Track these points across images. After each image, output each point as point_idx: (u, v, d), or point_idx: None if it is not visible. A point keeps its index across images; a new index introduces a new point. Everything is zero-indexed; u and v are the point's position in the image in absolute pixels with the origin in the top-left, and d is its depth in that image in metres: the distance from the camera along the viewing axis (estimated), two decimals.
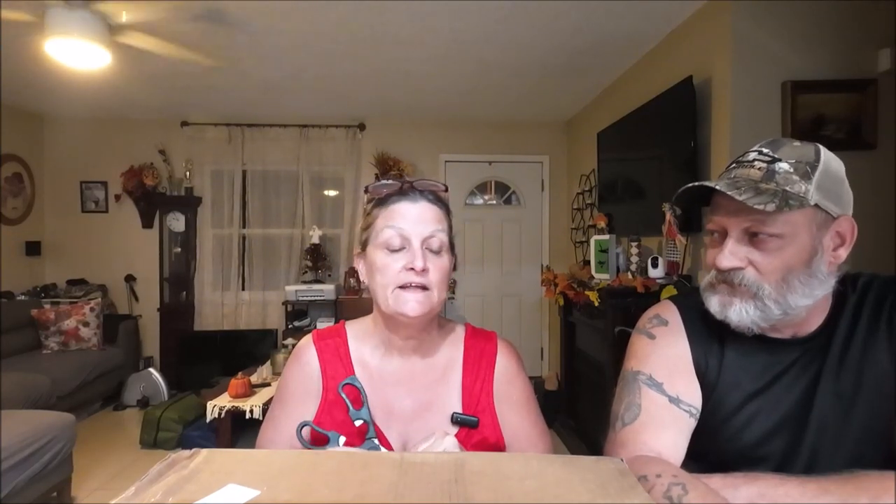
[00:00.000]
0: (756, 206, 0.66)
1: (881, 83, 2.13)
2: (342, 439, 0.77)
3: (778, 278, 0.70)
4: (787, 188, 0.68)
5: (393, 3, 2.39)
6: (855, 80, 2.14)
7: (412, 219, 0.81)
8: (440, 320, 0.90)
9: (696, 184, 0.73)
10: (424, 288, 0.79)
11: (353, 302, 4.09)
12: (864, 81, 2.14)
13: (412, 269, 0.78)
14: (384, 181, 0.85)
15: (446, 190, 0.86)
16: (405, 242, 0.80)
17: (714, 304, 0.74)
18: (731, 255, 0.71)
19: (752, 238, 0.71)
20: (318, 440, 0.77)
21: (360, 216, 0.90)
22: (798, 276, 0.70)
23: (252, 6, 2.41)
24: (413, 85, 3.61)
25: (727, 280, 0.73)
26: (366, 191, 0.86)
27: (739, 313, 0.72)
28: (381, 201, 0.84)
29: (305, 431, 0.77)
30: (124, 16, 2.31)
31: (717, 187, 0.70)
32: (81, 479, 2.68)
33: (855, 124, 2.15)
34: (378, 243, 0.81)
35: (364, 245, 0.86)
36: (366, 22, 2.60)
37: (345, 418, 0.80)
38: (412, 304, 0.78)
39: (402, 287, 0.79)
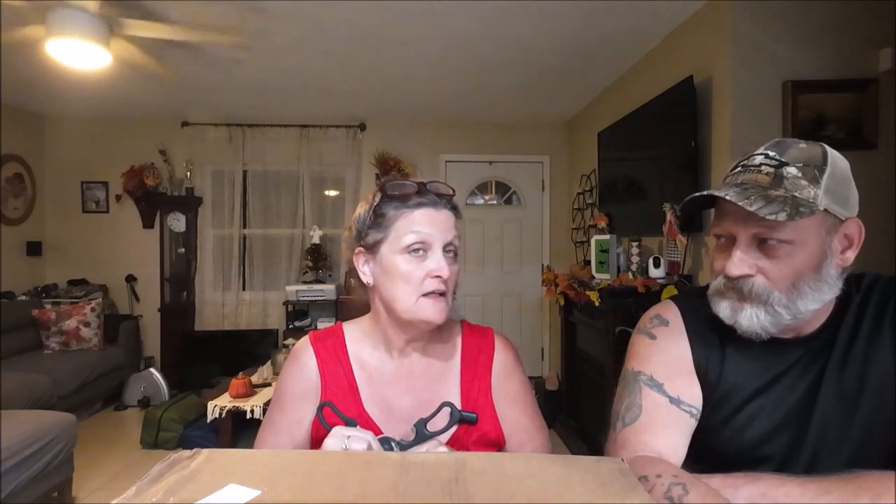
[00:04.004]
0: (768, 217, 0.65)
1: (882, 83, 2.13)
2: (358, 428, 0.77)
3: (788, 285, 0.69)
4: (797, 194, 0.67)
5: (393, 3, 2.39)
6: (855, 79, 2.14)
7: (436, 225, 0.80)
8: None
9: (705, 192, 0.72)
10: (443, 294, 0.80)
11: (354, 302, 4.07)
12: (864, 81, 2.14)
13: (437, 276, 0.78)
14: (397, 181, 0.83)
15: (454, 194, 0.87)
16: (428, 248, 0.80)
17: (724, 309, 0.74)
18: (741, 262, 0.70)
19: (762, 244, 0.70)
20: (336, 424, 0.77)
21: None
22: (808, 282, 0.69)
23: (252, 6, 2.41)
24: (413, 85, 3.61)
25: (736, 287, 0.72)
26: (381, 188, 0.83)
27: (750, 319, 0.71)
28: (401, 204, 0.81)
29: (326, 412, 0.77)
30: (124, 22, 2.31)
31: (727, 196, 0.68)
32: (82, 479, 2.68)
33: (856, 124, 2.15)
34: (399, 248, 0.80)
35: (374, 245, 0.83)
36: (366, 22, 2.60)
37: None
38: (434, 311, 0.79)
39: (425, 294, 0.79)
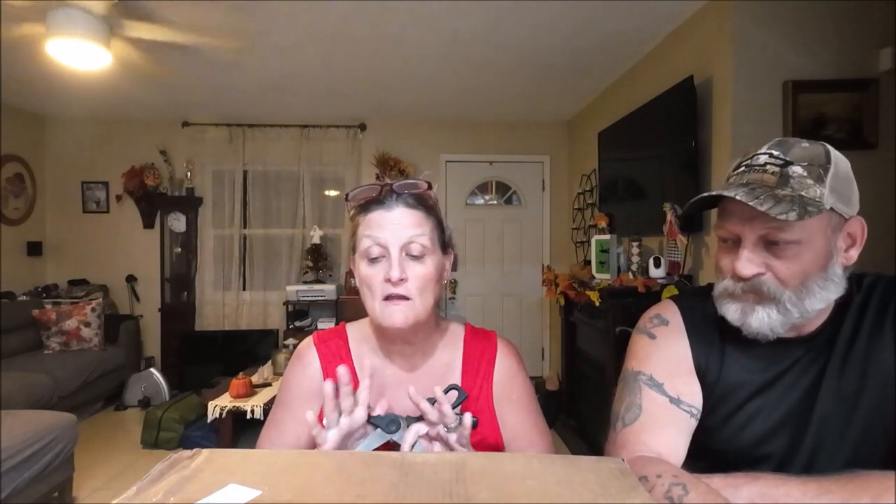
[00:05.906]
0: (779, 217, 0.64)
1: (882, 83, 2.13)
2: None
3: (797, 284, 0.69)
4: (803, 193, 0.67)
5: (393, 3, 2.39)
6: (856, 79, 2.14)
7: (389, 226, 0.79)
8: (439, 321, 0.90)
9: (714, 192, 0.72)
10: (405, 297, 0.78)
11: (354, 302, 4.09)
12: (865, 81, 2.14)
13: (389, 280, 0.77)
14: (362, 186, 0.82)
15: (430, 187, 0.83)
16: (383, 251, 0.79)
17: (732, 311, 0.73)
18: (749, 262, 0.70)
19: (769, 245, 0.70)
20: None
21: None
22: (816, 281, 0.69)
23: (252, 6, 2.41)
24: (413, 85, 3.61)
25: (749, 288, 0.71)
26: (346, 199, 0.85)
27: (761, 320, 0.70)
28: (362, 208, 0.82)
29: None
30: (126, 24, 2.31)
31: (737, 196, 0.67)
32: (83, 480, 2.69)
33: (856, 124, 2.15)
34: (360, 253, 0.81)
35: (352, 253, 0.85)
36: (366, 22, 2.60)
37: None
38: (396, 316, 0.78)
39: (386, 298, 0.78)
